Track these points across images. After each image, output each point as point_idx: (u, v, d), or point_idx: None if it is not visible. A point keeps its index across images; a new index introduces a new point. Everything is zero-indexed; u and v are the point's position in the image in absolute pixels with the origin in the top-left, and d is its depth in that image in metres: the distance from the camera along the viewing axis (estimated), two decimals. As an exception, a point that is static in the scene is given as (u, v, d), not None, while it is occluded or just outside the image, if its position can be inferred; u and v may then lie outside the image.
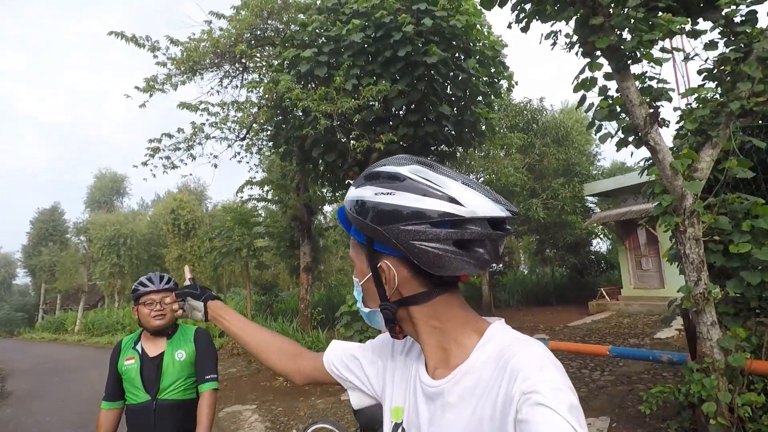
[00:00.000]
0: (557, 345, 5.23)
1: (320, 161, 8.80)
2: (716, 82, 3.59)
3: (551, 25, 3.72)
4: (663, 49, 3.40)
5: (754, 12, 3.37)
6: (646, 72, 3.45)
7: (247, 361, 10.46)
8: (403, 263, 0.77)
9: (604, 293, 13.59)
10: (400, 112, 7.88)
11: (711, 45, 3.47)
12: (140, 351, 2.32)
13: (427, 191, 0.74)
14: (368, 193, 0.77)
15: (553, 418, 0.60)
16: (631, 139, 3.57)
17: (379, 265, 0.79)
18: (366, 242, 0.80)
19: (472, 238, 0.72)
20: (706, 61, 3.49)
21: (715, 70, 3.47)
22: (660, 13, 3.25)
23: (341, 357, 1.06)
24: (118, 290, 23.95)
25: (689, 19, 3.49)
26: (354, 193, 0.80)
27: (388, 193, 0.75)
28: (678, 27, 3.22)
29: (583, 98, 3.77)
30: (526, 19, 3.90)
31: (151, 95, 9.06)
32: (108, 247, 22.48)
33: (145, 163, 9.36)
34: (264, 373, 9.04)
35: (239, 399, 7.32)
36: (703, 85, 3.62)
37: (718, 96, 3.48)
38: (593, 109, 3.65)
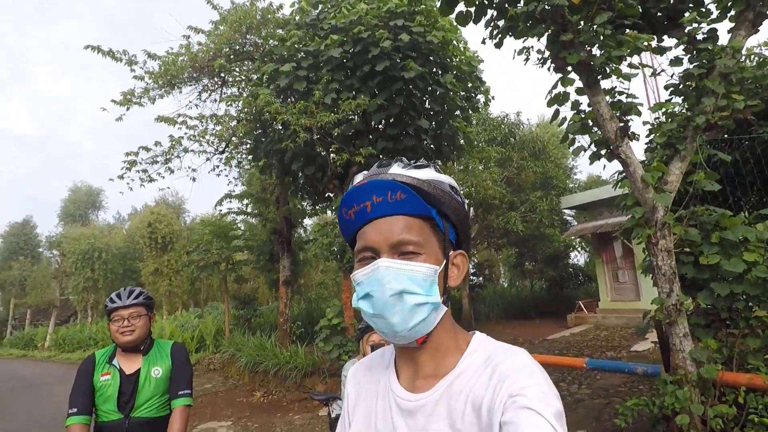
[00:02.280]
0: (535, 358, 5.25)
1: (300, 174, 8.75)
2: (682, 97, 3.70)
3: (523, 41, 3.79)
4: (631, 65, 3.49)
5: (715, 30, 3.50)
6: (616, 87, 3.54)
7: (224, 376, 10.22)
8: (465, 257, 0.82)
9: (582, 306, 13.73)
10: (380, 126, 7.92)
11: (676, 61, 3.58)
12: (118, 367, 2.23)
13: None
14: (455, 184, 0.82)
15: (539, 421, 0.60)
16: (603, 152, 3.63)
17: (452, 254, 0.79)
18: (444, 229, 0.78)
19: None
20: (672, 76, 3.60)
21: (681, 86, 3.58)
22: (627, 30, 3.34)
23: None
24: (92, 305, 23.28)
25: (654, 37, 3.61)
26: (447, 179, 0.81)
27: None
28: (644, 44, 3.32)
29: (557, 112, 3.84)
30: (499, 36, 3.97)
31: (128, 109, 8.91)
32: (82, 261, 21.91)
33: (121, 177, 9.15)
34: (241, 388, 8.83)
35: (214, 415, 7.12)
36: (671, 99, 3.72)
37: (685, 110, 3.59)
38: (566, 123, 3.72)
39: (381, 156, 7.65)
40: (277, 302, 11.74)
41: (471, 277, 16.88)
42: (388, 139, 7.63)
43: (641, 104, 3.48)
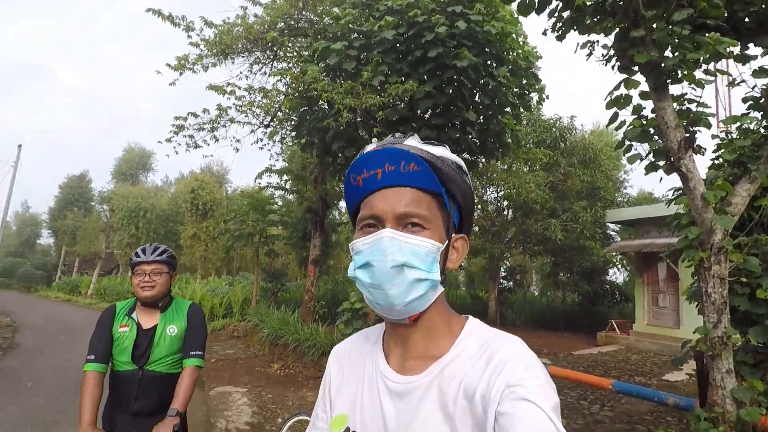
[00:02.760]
0: (557, 371, 5.00)
1: (340, 155, 8.71)
2: (762, 113, 3.34)
3: (587, 36, 3.52)
4: (707, 71, 3.17)
5: (812, 41, 3.13)
6: (686, 93, 3.23)
7: (246, 345, 10.47)
8: (466, 241, 0.81)
9: (615, 325, 13.13)
10: (425, 115, 7.73)
11: (760, 72, 3.22)
12: (136, 320, 2.28)
13: None
14: (464, 166, 0.80)
15: (536, 413, 0.59)
16: (661, 163, 3.34)
17: (455, 236, 0.78)
18: (450, 210, 0.77)
19: None
20: (753, 88, 3.25)
21: (762, 100, 3.23)
22: (707, 33, 3.03)
23: None
24: (133, 261, 24.36)
25: (739, 43, 3.26)
26: (458, 160, 0.79)
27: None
28: (726, 49, 2.99)
29: (615, 116, 3.56)
30: (562, 28, 3.71)
31: (181, 73, 9.14)
32: (128, 218, 22.99)
33: (169, 140, 9.45)
34: (260, 358, 9.01)
35: (232, 381, 7.29)
36: (747, 114, 3.37)
37: (763, 128, 3.24)
38: (624, 127, 3.44)
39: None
40: (305, 280, 11.88)
41: (501, 281, 16.49)
42: (433, 128, 7.44)
43: (712, 115, 3.17)
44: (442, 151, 0.77)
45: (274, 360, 8.55)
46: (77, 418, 2.03)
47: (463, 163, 0.80)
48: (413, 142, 0.76)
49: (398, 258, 0.69)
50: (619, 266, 18.02)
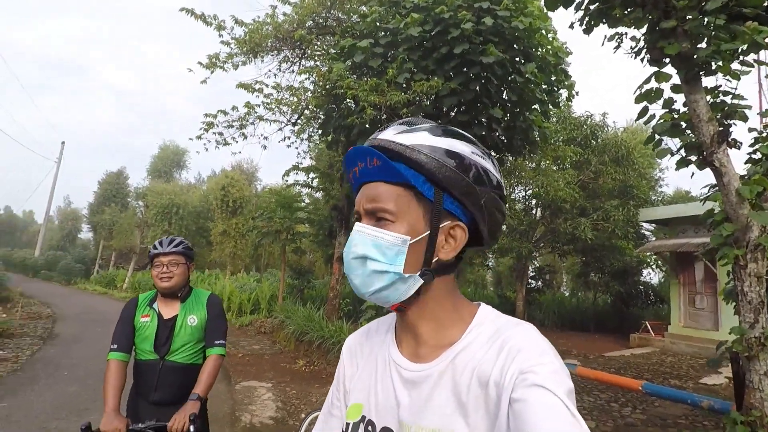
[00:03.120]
0: (585, 372, 4.90)
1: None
2: (803, 106, 3.18)
3: (616, 28, 3.42)
4: (743, 62, 3.04)
5: None
6: (720, 86, 3.11)
7: (272, 340, 10.66)
8: (464, 229, 0.76)
9: (649, 327, 12.73)
10: (451, 112, 7.68)
11: (802, 63, 3.07)
12: (157, 310, 2.35)
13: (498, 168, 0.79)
14: (465, 149, 0.75)
15: (550, 399, 0.59)
16: (693, 158, 3.22)
17: (444, 225, 0.74)
18: (435, 196, 0.73)
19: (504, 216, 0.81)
20: (794, 80, 3.10)
21: (804, 92, 3.07)
22: (744, 22, 2.90)
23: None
24: (166, 256, 25.15)
25: (780, 32, 3.11)
26: (443, 142, 0.73)
27: (482, 156, 0.76)
28: (765, 39, 2.86)
29: (645, 109, 3.46)
30: (591, 21, 3.63)
31: (212, 72, 9.38)
32: (162, 214, 23.71)
33: (199, 137, 9.72)
34: (286, 354, 9.17)
35: (257, 375, 7.44)
36: (788, 107, 3.21)
37: (803, 121, 3.09)
38: (654, 121, 3.34)
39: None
40: (330, 277, 12.01)
41: (530, 280, 16.23)
42: (458, 125, 7.38)
43: (749, 107, 3.04)
44: (419, 137, 0.73)
45: (300, 356, 8.67)
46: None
47: (460, 147, 0.74)
48: (388, 134, 0.76)
49: (359, 250, 0.72)
50: (654, 266, 17.45)
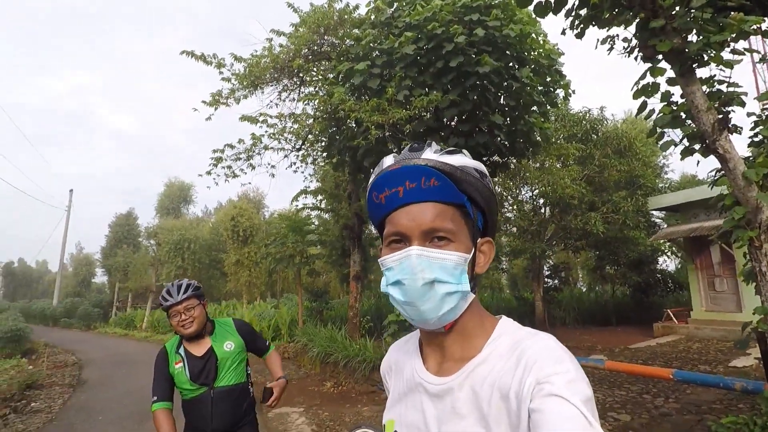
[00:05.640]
0: (614, 365, 4.93)
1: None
2: (798, 86, 3.29)
3: (607, 30, 3.57)
4: (734, 51, 3.16)
5: (842, 8, 3.07)
6: (715, 75, 3.22)
7: (297, 365, 10.69)
8: (492, 243, 0.83)
9: (671, 315, 12.63)
10: (452, 123, 7.85)
11: (791, 45, 3.18)
12: (183, 354, 2.45)
13: None
14: (484, 170, 0.80)
15: (566, 408, 0.60)
16: (697, 147, 3.32)
17: (480, 241, 0.80)
18: (473, 216, 0.78)
19: None
20: (785, 62, 3.21)
21: (796, 73, 3.18)
22: (730, 13, 3.03)
23: None
24: (182, 292, 25.31)
25: (765, 18, 3.24)
26: (477, 165, 0.79)
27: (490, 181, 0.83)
28: (751, 27, 2.99)
29: (644, 105, 3.58)
30: (581, 25, 3.78)
31: (216, 109, 9.65)
32: (174, 250, 23.91)
33: (209, 172, 9.93)
34: (313, 378, 9.20)
35: (287, 401, 7.47)
36: (782, 88, 3.32)
37: (799, 100, 3.19)
38: (654, 115, 3.45)
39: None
40: (347, 296, 12.07)
41: (546, 279, 16.17)
42: (460, 135, 7.54)
43: (745, 94, 3.14)
44: (461, 159, 0.77)
45: (326, 378, 8.69)
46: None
47: (482, 167, 0.80)
48: (430, 155, 0.76)
49: (428, 275, 0.71)
50: (669, 254, 17.34)
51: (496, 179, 10.14)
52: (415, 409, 0.80)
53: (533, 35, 7.25)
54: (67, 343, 17.90)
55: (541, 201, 14.15)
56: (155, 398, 2.36)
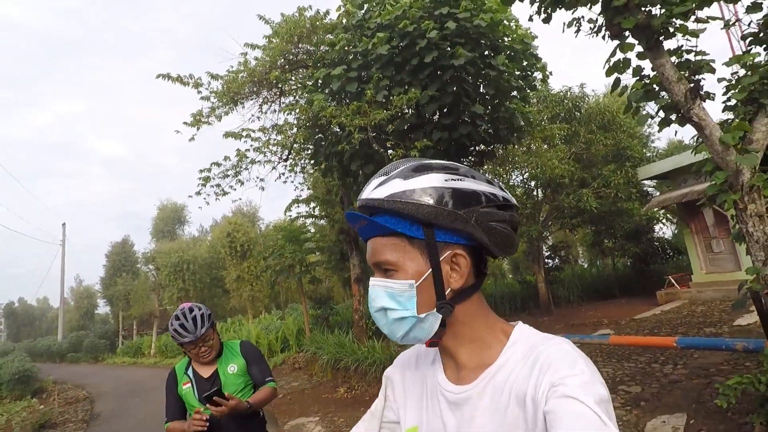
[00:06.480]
0: (619, 339, 4.99)
1: (360, 173, 8.94)
2: (765, 46, 3.34)
3: (572, 12, 3.60)
4: (698, 20, 3.21)
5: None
6: (682, 46, 3.27)
7: (308, 374, 10.71)
8: (469, 251, 0.78)
9: (673, 281, 12.77)
10: (434, 117, 7.88)
11: (754, 7, 3.23)
12: (191, 376, 2.49)
13: (484, 179, 0.80)
14: (436, 180, 0.76)
15: (580, 409, 0.60)
16: (673, 117, 3.37)
17: (445, 256, 0.76)
18: (425, 235, 0.76)
19: (517, 222, 0.82)
20: (749, 25, 3.26)
21: (761, 34, 3.23)
22: (690, -17, 3.07)
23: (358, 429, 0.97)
24: (186, 314, 25.23)
25: (724, -16, 3.29)
26: (413, 183, 0.75)
27: (458, 179, 0.77)
28: (712, -6, 3.04)
29: (617, 81, 3.62)
30: (548, 10, 3.81)
31: (198, 129, 9.63)
32: (174, 273, 23.81)
33: (198, 193, 9.91)
34: (325, 385, 9.22)
35: (303, 412, 7.50)
36: (749, 50, 3.37)
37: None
38: (628, 91, 3.50)
39: (438, 147, 7.62)
40: (351, 300, 12.10)
41: (546, 260, 16.26)
42: (443, 129, 7.57)
43: (713, 61, 3.19)
44: (390, 187, 0.76)
45: (339, 384, 8.70)
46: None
47: (426, 181, 0.76)
48: (366, 193, 0.79)
49: (377, 303, 0.78)
50: (664, 221, 17.47)
51: (484, 167, 10.17)
52: (435, 417, 0.82)
53: (504, 22, 7.29)
54: (77, 378, 17.84)
55: (533, 183, 14.23)
56: (166, 418, 2.43)
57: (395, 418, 0.92)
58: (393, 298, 0.76)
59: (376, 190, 0.77)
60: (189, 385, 2.46)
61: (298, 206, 12.72)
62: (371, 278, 0.80)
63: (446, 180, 0.76)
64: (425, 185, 0.75)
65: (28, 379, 13.44)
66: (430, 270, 0.76)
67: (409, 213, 0.74)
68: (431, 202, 0.74)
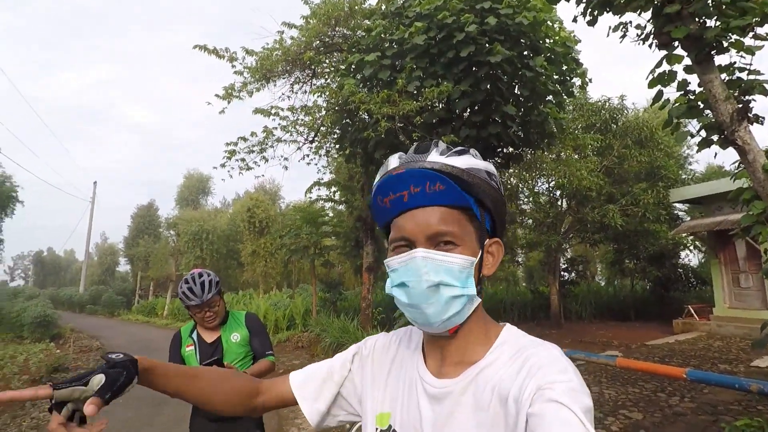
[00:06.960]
0: (626, 363, 4.79)
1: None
2: (825, 73, 3.08)
3: (620, 17, 3.41)
4: (757, 36, 2.98)
5: None
6: (735, 62, 3.05)
7: (310, 354, 10.80)
8: (500, 244, 0.81)
9: (692, 311, 12.31)
10: (464, 114, 7.70)
11: (819, 29, 2.98)
12: (195, 339, 2.53)
13: None
14: (493, 170, 0.79)
15: (566, 415, 0.59)
16: (714, 138, 3.17)
17: (486, 243, 0.78)
18: (481, 218, 0.76)
19: None
20: (812, 48, 3.01)
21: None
22: (752, -4, 2.85)
23: (309, 379, 0.96)
24: (200, 281, 25.82)
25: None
26: (486, 166, 0.78)
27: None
28: (775, 10, 2.81)
29: (660, 94, 3.42)
30: (594, 12, 3.62)
31: (229, 102, 9.69)
32: (193, 241, 24.35)
33: (223, 165, 10.02)
34: (324, 368, 9.27)
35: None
36: (808, 75, 3.12)
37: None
38: (669, 105, 3.30)
39: (464, 144, 7.46)
40: (361, 287, 12.10)
41: (562, 273, 15.90)
42: (472, 126, 7.40)
43: (767, 82, 2.97)
44: (468, 161, 0.75)
45: (338, 368, 8.77)
46: (161, 426, 2.28)
47: (491, 168, 0.79)
48: (436, 157, 0.75)
49: (433, 278, 0.70)
50: (691, 248, 16.85)
51: (510, 171, 9.95)
52: (411, 407, 0.80)
53: (548, 23, 7.04)
54: (93, 329, 18.48)
55: (558, 193, 13.87)
56: None
57: (352, 398, 0.92)
58: (451, 273, 0.71)
59: (451, 158, 0.75)
60: (192, 347, 2.50)
61: (319, 189, 12.75)
62: (420, 249, 0.71)
63: (495, 174, 0.80)
64: (489, 169, 0.78)
65: (48, 324, 14.05)
66: (481, 252, 0.76)
67: (483, 190, 0.75)
68: (496, 188, 0.78)
